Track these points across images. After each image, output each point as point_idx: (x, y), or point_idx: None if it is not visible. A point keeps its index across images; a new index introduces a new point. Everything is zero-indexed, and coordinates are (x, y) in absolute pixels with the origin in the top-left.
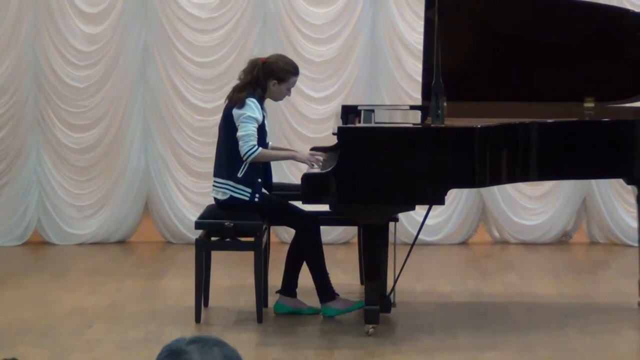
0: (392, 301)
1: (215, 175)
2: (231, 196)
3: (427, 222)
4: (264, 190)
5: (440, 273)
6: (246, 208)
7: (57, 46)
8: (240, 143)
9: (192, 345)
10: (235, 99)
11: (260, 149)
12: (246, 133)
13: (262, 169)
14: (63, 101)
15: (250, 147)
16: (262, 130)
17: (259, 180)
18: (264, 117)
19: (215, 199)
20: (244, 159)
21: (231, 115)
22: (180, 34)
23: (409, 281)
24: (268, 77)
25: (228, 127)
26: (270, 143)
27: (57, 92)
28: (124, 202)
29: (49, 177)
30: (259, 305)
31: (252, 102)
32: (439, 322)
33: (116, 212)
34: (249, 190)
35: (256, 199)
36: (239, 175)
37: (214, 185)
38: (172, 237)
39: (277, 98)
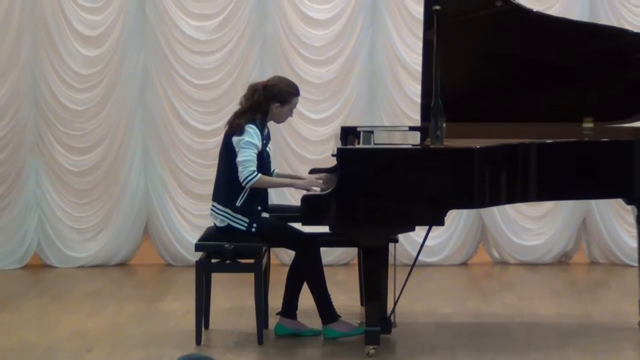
0: (392, 322)
1: (214, 200)
2: (229, 224)
3: (427, 243)
4: (263, 214)
5: (441, 294)
6: (244, 235)
7: (56, 69)
8: (240, 169)
9: None
10: (235, 126)
11: (260, 175)
12: (246, 159)
13: (261, 196)
14: (62, 124)
15: (249, 173)
16: (262, 156)
17: (258, 208)
18: (266, 142)
19: (214, 223)
20: (243, 184)
21: (231, 142)
22: (179, 57)
23: (409, 302)
24: (270, 100)
25: (228, 154)
26: (275, 170)
27: (57, 115)
28: (123, 224)
29: (48, 200)
30: (259, 327)
31: (251, 129)
32: (439, 343)
33: (116, 235)
34: (247, 220)
35: (253, 229)
36: (237, 204)
37: (212, 209)
38: (172, 259)
39: (279, 120)
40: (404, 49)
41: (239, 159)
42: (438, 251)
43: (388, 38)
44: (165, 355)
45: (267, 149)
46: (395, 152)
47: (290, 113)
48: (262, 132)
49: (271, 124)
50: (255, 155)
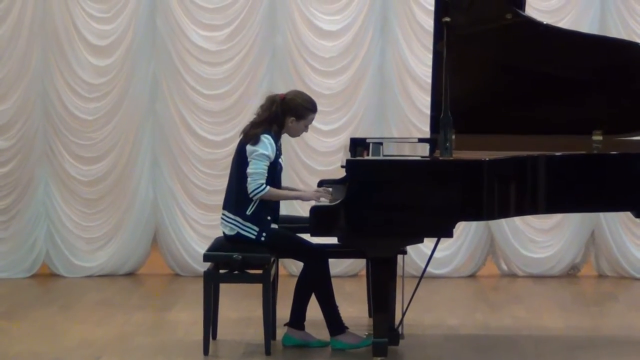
0: (400, 334)
1: (224, 208)
2: (238, 232)
3: (436, 255)
4: (272, 225)
5: (449, 306)
6: (253, 244)
7: (66, 78)
8: (249, 180)
9: None
10: (251, 135)
11: (269, 187)
12: (256, 171)
13: (272, 206)
14: (72, 133)
15: (258, 186)
16: (275, 168)
17: (268, 218)
18: (278, 154)
19: (223, 232)
20: (251, 196)
21: (244, 151)
22: (189, 67)
23: (417, 314)
24: (286, 113)
25: (240, 162)
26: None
27: (66, 124)
28: (132, 234)
29: (57, 209)
30: (267, 338)
31: (266, 139)
32: (447, 355)
33: (125, 245)
34: (257, 228)
35: (262, 238)
36: (248, 212)
37: (222, 218)
38: (181, 269)
39: (294, 134)
40: (414, 60)
41: (249, 170)
42: (446, 263)
43: (398, 50)
44: None
45: (280, 160)
46: (404, 163)
47: (305, 128)
48: (276, 143)
49: (284, 137)
50: (266, 168)
